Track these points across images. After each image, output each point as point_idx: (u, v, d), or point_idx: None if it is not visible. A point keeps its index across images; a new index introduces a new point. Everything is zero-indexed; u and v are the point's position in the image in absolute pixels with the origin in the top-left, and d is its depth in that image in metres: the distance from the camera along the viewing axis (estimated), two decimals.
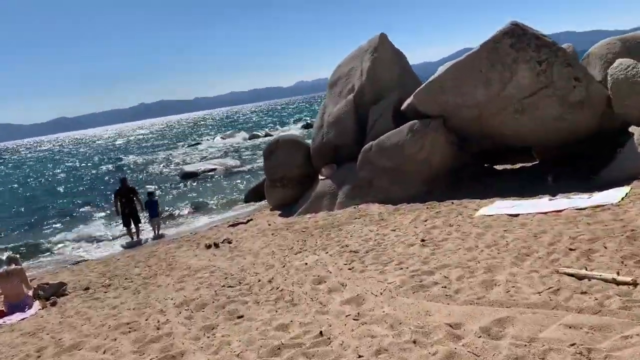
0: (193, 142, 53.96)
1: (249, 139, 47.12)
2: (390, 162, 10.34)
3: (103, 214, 19.58)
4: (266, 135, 48.17)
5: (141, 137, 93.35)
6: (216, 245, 10.24)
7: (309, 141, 13.20)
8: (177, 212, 17.77)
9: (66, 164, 53.97)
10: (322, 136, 11.98)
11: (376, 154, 10.54)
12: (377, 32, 12.02)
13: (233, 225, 12.60)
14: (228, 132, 59.57)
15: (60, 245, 15.12)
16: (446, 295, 4.72)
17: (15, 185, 37.98)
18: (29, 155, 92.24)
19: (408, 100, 10.66)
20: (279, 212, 12.85)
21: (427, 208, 9.16)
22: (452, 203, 9.13)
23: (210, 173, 26.22)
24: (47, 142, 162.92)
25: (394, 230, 7.93)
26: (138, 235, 14.65)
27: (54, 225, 18.96)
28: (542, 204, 7.83)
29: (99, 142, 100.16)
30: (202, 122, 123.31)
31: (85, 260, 12.65)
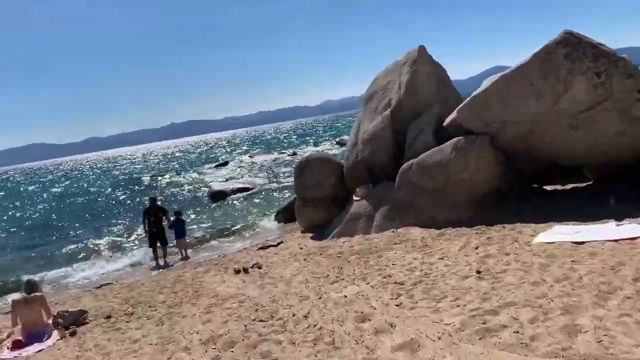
0: (222, 162, 53.92)
1: (278, 157, 46.80)
2: (432, 182, 9.59)
3: (132, 234, 19.21)
4: (294, 153, 47.84)
5: (170, 156, 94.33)
6: (245, 271, 9.60)
7: (342, 161, 12.56)
8: (205, 233, 17.26)
9: (91, 186, 54.51)
10: (357, 154, 11.31)
11: (417, 173, 9.81)
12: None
13: (263, 248, 11.97)
14: (256, 151, 59.50)
15: (84, 269, 14.69)
16: (521, 343, 3.95)
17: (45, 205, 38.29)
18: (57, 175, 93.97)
19: (451, 116, 9.93)
20: (311, 234, 12.17)
21: (477, 233, 8.35)
22: (504, 227, 8.31)
23: (238, 193, 25.77)
24: (80, 162, 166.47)
25: (442, 259, 7.15)
26: (165, 257, 14.15)
27: (78, 246, 18.66)
28: (610, 229, 6.98)
29: (125, 161, 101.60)
30: (230, 142, 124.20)
31: (110, 284, 12.16)
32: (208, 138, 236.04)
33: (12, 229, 26.50)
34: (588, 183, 10.91)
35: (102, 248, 17.52)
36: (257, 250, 12.01)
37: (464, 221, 9.19)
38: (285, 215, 16.79)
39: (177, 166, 59.88)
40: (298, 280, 7.99)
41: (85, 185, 53.86)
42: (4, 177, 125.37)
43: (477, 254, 7.00)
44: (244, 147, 79.03)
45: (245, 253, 12.17)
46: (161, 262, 13.93)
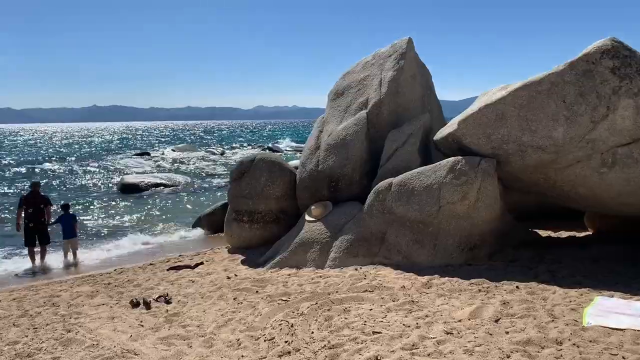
0: (141, 152, 49.39)
1: (204, 155, 43.33)
2: (416, 212, 7.22)
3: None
4: (222, 153, 44.57)
5: (86, 139, 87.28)
6: (147, 305, 6.74)
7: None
8: (104, 231, 13.96)
9: None
10: (317, 162, 8.76)
11: (396, 196, 7.41)
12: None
13: (175, 269, 9.09)
14: (181, 145, 55.40)
15: None
16: None
17: None
18: None
19: (447, 129, 7.66)
20: (242, 256, 9.43)
21: (480, 291, 6.03)
22: (517, 288, 6.04)
23: (154, 189, 22.37)
24: None
25: (451, 334, 4.72)
26: (42, 259, 10.82)
27: None
28: None
29: (37, 138, 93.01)
30: (154, 132, 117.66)
31: None
32: (131, 125, 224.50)
33: None
34: (587, 233, 9.03)
35: None
36: (168, 270, 9.11)
37: (455, 269, 6.90)
38: (208, 224, 13.87)
39: (90, 150, 54.50)
40: (224, 337, 5.29)
41: None
42: None
43: (507, 333, 4.63)
44: (170, 140, 74.25)
45: (150, 271, 9.21)
46: (37, 265, 10.63)
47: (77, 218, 11.72)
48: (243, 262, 9.01)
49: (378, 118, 8.62)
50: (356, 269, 7.40)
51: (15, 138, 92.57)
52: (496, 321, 4.98)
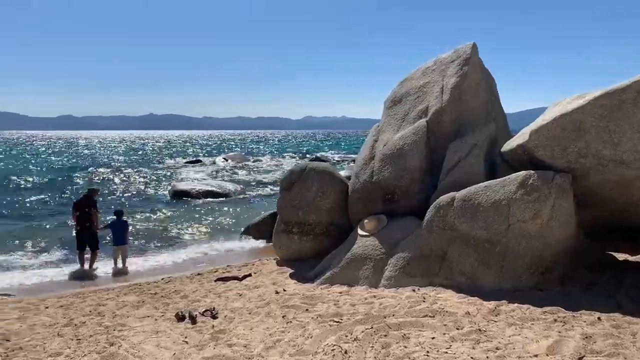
0: (192, 159, 50.29)
1: (255, 163, 43.57)
2: (482, 230, 6.63)
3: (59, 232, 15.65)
4: (271, 161, 44.69)
5: (141, 146, 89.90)
6: (193, 320, 6.44)
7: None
8: (153, 239, 13.92)
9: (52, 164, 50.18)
10: (371, 173, 8.29)
11: (460, 212, 6.83)
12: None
13: (222, 280, 8.81)
14: (231, 154, 56.05)
15: None
16: None
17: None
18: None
19: (516, 140, 7.04)
20: (290, 270, 9.04)
21: (555, 321, 5.39)
22: (599, 320, 5.36)
23: (205, 196, 22.43)
24: (49, 138, 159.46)
25: None
26: (91, 265, 10.81)
27: None
28: None
29: (99, 145, 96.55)
30: (208, 140, 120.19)
31: (4, 296, 8.76)
32: (185, 133, 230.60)
33: None
34: None
35: (12, 238, 13.79)
36: (216, 281, 8.83)
37: (524, 293, 6.26)
38: (256, 233, 13.64)
39: (142, 157, 55.94)
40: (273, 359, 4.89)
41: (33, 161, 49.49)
42: None
43: None
44: (221, 148, 75.46)
45: (197, 282, 8.97)
46: (86, 269, 10.64)
47: (129, 225, 11.64)
48: (292, 276, 8.62)
49: (439, 127, 8.07)
50: (414, 290, 6.86)
51: (74, 145, 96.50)
52: (581, 359, 4.35)
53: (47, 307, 7.59)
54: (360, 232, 8.02)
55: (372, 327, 5.50)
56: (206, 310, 6.66)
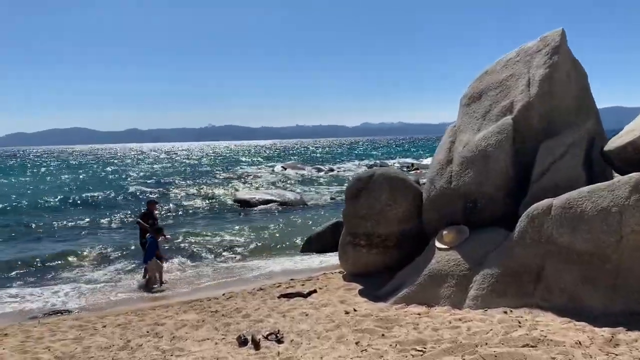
0: (252, 168, 50.59)
1: (313, 171, 43.16)
2: (587, 242, 5.64)
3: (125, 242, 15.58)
4: (330, 169, 44.16)
5: (201, 157, 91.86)
6: (255, 344, 5.81)
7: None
8: (214, 249, 13.55)
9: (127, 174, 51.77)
10: (449, 178, 7.43)
11: (558, 221, 5.87)
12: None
13: (286, 296, 8.18)
14: (290, 162, 55.99)
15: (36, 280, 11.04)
16: None
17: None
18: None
19: (628, 138, 6.02)
20: (359, 285, 8.29)
21: None
22: None
23: (265, 205, 22.08)
24: (120, 151, 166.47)
25: None
26: (161, 277, 10.56)
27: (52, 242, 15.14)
28: None
29: (161, 156, 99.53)
30: (265, 150, 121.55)
31: (62, 313, 8.51)
32: (244, 143, 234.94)
33: None
34: None
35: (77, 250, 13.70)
36: (279, 297, 8.21)
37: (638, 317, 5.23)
38: (318, 245, 13.01)
39: (202, 167, 56.81)
40: None
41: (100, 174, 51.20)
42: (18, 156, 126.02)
43: None
44: (279, 157, 75.85)
45: (260, 298, 8.38)
46: (155, 280, 10.38)
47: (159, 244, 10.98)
48: (361, 293, 7.86)
49: (526, 125, 7.12)
50: (506, 312, 5.96)
51: (139, 156, 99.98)
52: None
53: (104, 326, 7.21)
54: (438, 244, 7.17)
55: (462, 359, 4.67)
56: (270, 334, 6.02)
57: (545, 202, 6.09)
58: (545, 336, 5.06)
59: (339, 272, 9.58)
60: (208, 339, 6.26)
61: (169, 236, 11.49)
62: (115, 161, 79.64)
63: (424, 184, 8.36)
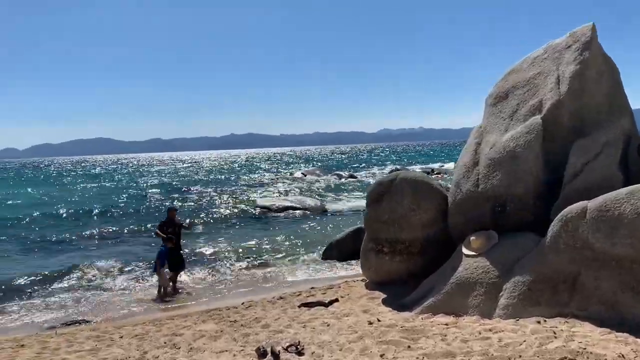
0: (273, 175, 50.59)
1: (333, 178, 42.89)
2: (627, 247, 5.29)
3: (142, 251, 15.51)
4: (350, 176, 43.83)
5: (222, 165, 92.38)
6: (275, 356, 5.56)
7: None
8: (233, 256, 13.37)
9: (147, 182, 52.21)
10: (476, 181, 7.11)
11: (595, 225, 5.52)
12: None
13: (307, 306, 7.93)
14: (310, 169, 55.84)
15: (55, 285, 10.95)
16: None
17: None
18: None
19: None
20: (382, 294, 8.00)
21: None
22: None
23: (285, 212, 21.90)
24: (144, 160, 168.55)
25: None
26: (175, 285, 10.43)
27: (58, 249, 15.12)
28: None
29: (180, 165, 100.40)
30: (285, 157, 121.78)
31: (80, 323, 8.40)
32: (264, 151, 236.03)
33: None
34: None
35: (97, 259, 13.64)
36: (299, 306, 7.96)
37: None
38: (338, 252, 12.74)
39: (223, 174, 57.00)
40: None
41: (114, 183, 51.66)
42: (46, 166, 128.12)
43: None
44: (298, 164, 75.80)
45: (280, 307, 8.15)
46: (168, 288, 10.25)
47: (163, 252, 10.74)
48: (385, 302, 7.57)
49: (556, 124, 6.78)
50: (539, 322, 5.61)
51: (161, 165, 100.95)
52: None
53: (121, 337, 7.05)
54: (465, 251, 6.85)
55: None
56: (290, 345, 5.76)
57: (580, 204, 5.74)
58: (585, 348, 4.71)
59: (361, 280, 9.31)
60: (226, 350, 6.03)
61: (188, 220, 11.35)
62: (138, 170, 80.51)
63: (448, 188, 8.04)
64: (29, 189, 42.89)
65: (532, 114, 6.95)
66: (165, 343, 6.57)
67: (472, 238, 6.88)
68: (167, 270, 10.32)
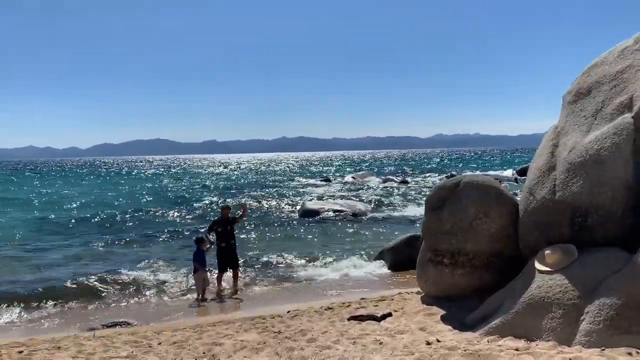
0: (324, 178, 50.22)
1: (384, 182, 42.01)
2: None
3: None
4: (403, 181, 42.79)
5: (274, 167, 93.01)
6: None
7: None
8: (281, 261, 12.93)
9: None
10: (552, 187, 6.28)
11: None
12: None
13: (357, 319, 7.31)
14: (360, 173, 55.14)
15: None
16: None
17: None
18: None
19: None
20: (441, 310, 7.27)
21: None
22: None
23: (333, 215, 21.35)
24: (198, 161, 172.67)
25: None
26: (235, 285, 10.24)
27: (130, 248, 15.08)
28: None
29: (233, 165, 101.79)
30: (336, 160, 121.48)
31: (121, 324, 8.13)
32: (315, 154, 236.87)
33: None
34: None
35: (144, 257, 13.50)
36: (349, 320, 7.35)
37: None
38: (393, 260, 12.04)
39: (274, 177, 57.11)
40: None
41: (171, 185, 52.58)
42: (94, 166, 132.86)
43: None
44: (349, 168, 75.19)
45: (327, 319, 7.57)
46: (227, 289, 10.12)
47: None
48: (444, 319, 6.83)
49: None
50: (630, 354, 4.77)
51: (215, 166, 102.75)
52: None
53: (159, 343, 6.65)
54: (539, 266, 6.04)
55: None
56: None
57: None
58: None
59: (417, 293, 8.59)
60: None
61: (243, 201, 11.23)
62: (192, 170, 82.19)
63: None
64: (89, 187, 44.33)
65: (620, 113, 6.06)
66: (204, 353, 6.11)
67: (547, 252, 6.06)
68: (207, 271, 10.05)
